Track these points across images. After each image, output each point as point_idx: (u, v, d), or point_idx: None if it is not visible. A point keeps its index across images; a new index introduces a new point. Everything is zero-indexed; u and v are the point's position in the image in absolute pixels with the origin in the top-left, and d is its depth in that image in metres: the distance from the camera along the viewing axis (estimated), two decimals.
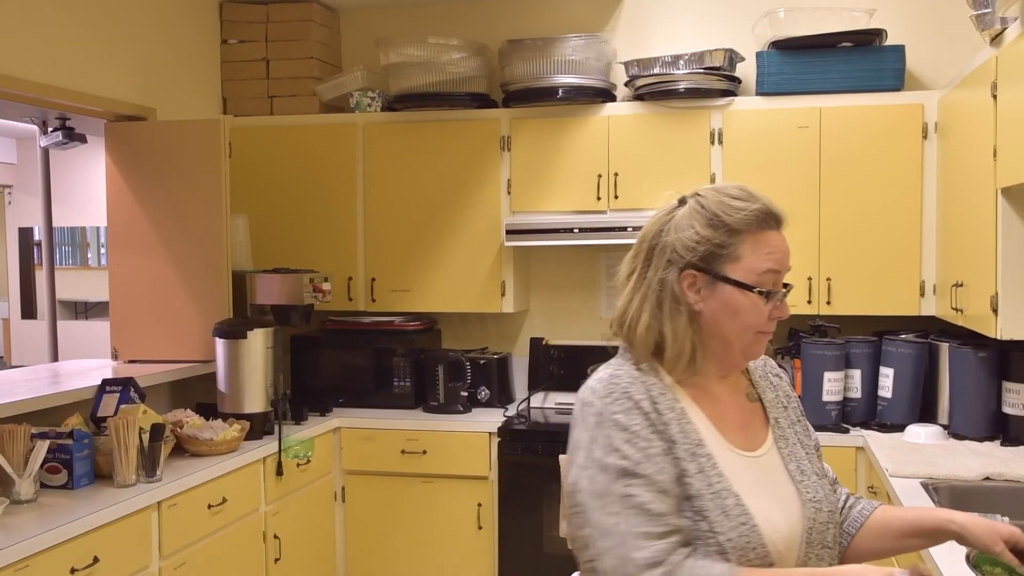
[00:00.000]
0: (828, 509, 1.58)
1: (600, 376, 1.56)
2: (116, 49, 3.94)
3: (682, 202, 1.60)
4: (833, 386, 3.81)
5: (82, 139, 6.18)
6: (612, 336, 1.63)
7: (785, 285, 1.58)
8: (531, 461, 3.96)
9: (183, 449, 3.39)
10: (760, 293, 1.53)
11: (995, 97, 2.94)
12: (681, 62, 4.08)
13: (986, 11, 3.08)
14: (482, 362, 4.39)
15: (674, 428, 1.49)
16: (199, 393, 4.01)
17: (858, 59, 3.99)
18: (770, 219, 1.56)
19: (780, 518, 1.50)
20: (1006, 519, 2.42)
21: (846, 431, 3.77)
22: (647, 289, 1.56)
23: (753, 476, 1.53)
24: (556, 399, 4.42)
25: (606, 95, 4.27)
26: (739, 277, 1.52)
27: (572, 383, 4.36)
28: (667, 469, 1.46)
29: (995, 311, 2.97)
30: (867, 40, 3.99)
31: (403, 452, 4.15)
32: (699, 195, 1.58)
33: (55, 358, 6.41)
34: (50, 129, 6.10)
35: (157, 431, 3.06)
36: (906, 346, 3.78)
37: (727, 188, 1.58)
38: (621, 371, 1.55)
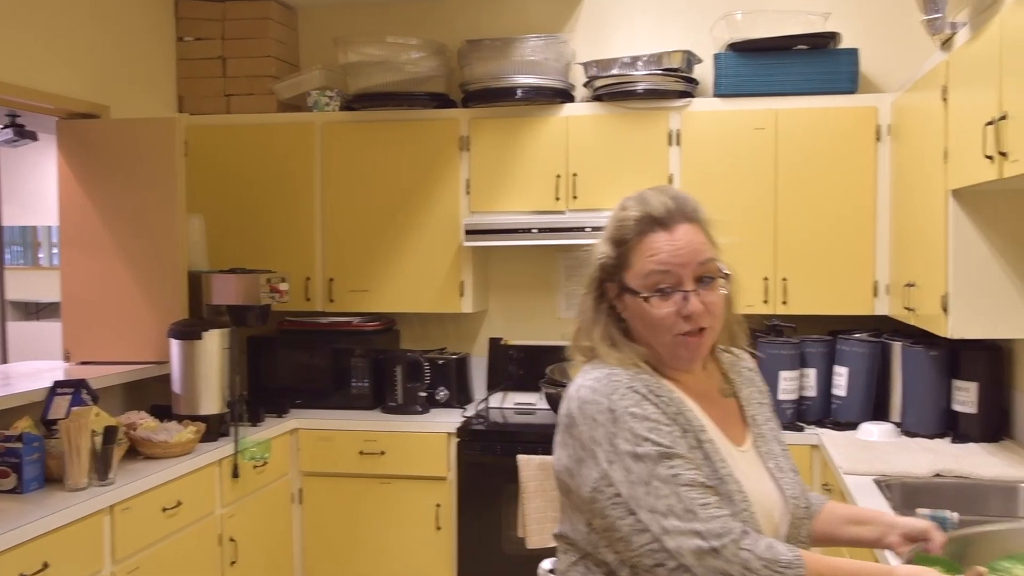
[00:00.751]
0: (804, 505, 1.62)
1: (596, 376, 1.54)
2: (68, 45, 3.87)
3: None
4: (789, 385, 3.86)
5: (32, 137, 6.07)
6: (576, 354, 1.65)
7: (721, 274, 1.56)
8: (490, 461, 3.96)
9: (137, 452, 3.35)
10: (645, 297, 1.53)
11: (945, 100, 2.99)
12: (639, 63, 4.10)
13: (936, 16, 3.13)
14: (440, 362, 4.38)
15: (680, 417, 1.51)
16: (154, 395, 3.95)
17: (813, 62, 4.04)
18: (654, 223, 1.55)
19: (772, 507, 1.55)
20: (956, 515, 2.46)
21: (801, 429, 3.82)
22: (591, 303, 1.63)
23: (745, 466, 1.55)
24: (515, 399, 4.42)
25: (565, 96, 4.28)
26: (632, 285, 1.55)
27: (531, 383, 4.38)
28: (690, 457, 1.48)
29: (946, 311, 3.02)
30: (822, 43, 4.04)
31: (361, 453, 4.13)
32: (614, 211, 1.63)
33: (5, 359, 6.30)
34: (0, 126, 5.97)
35: (110, 433, 3.02)
36: (860, 345, 3.84)
37: (628, 198, 1.61)
38: (616, 370, 1.54)
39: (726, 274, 1.57)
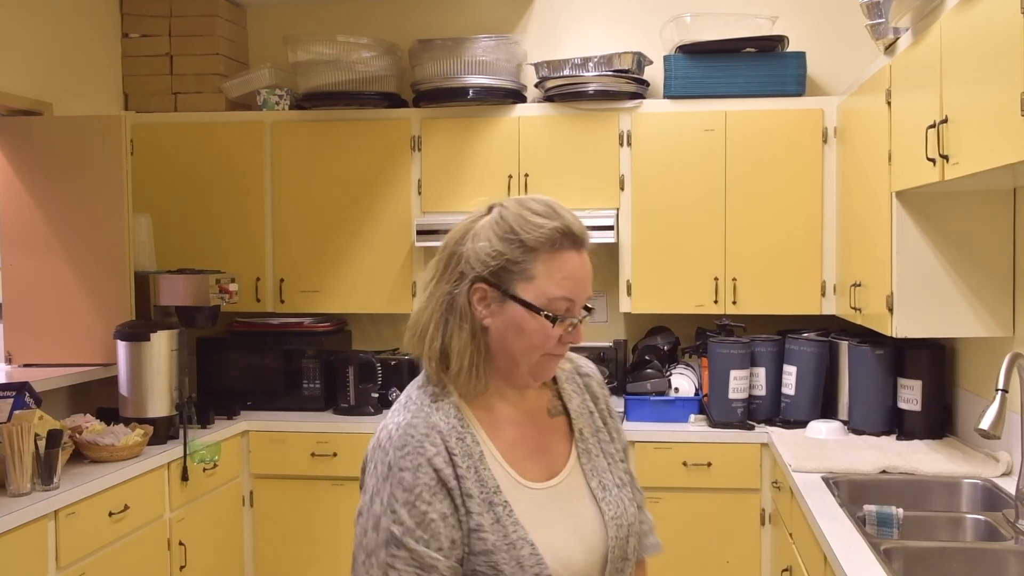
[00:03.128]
0: (628, 523, 1.52)
1: (398, 422, 1.46)
2: (8, 41, 3.79)
3: (489, 210, 1.52)
4: (739, 384, 3.90)
5: None
6: (408, 348, 1.56)
7: (587, 308, 1.50)
8: None
9: (83, 455, 3.29)
10: (548, 317, 1.44)
11: (889, 104, 3.05)
12: (590, 64, 4.12)
13: (880, 21, 3.19)
14: (393, 363, 4.37)
15: (470, 480, 1.42)
16: (100, 397, 3.89)
17: (761, 65, 4.09)
18: (568, 239, 1.45)
19: (577, 551, 1.45)
20: (901, 511, 2.51)
21: (751, 428, 3.87)
22: (439, 298, 1.49)
23: (549, 511, 1.47)
24: None
25: (517, 96, 4.29)
26: (529, 298, 1.44)
27: None
28: (442, 536, 1.39)
29: (891, 310, 3.07)
30: (770, 46, 4.10)
31: (313, 455, 4.10)
32: (503, 206, 1.50)
33: None
34: None
35: (54, 437, 2.96)
36: (808, 344, 3.90)
37: (531, 202, 1.49)
38: (418, 419, 1.45)
39: (592, 309, 1.54)
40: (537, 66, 4.25)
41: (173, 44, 4.53)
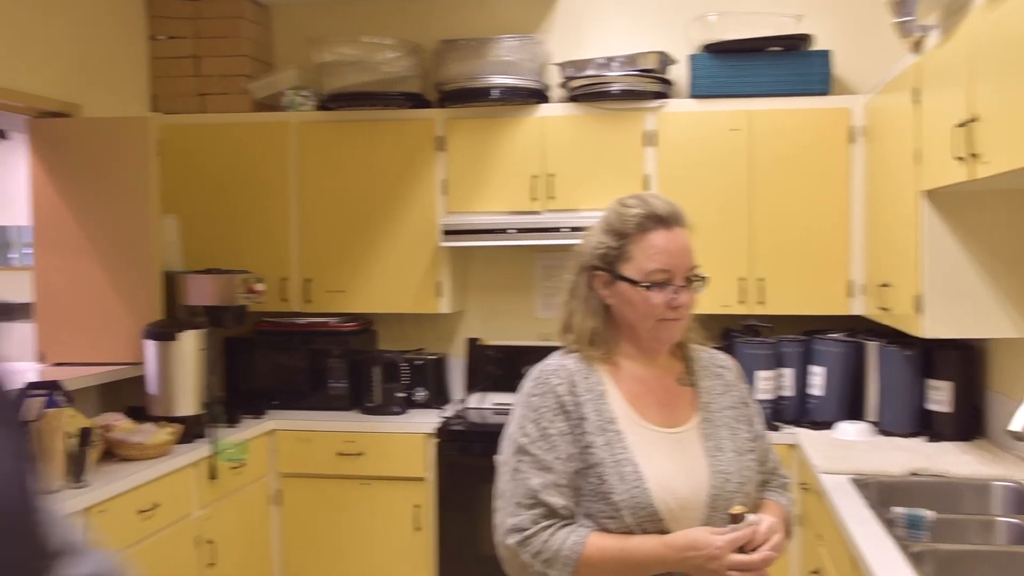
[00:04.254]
0: (738, 481, 1.77)
1: (538, 366, 1.83)
2: (39, 44, 3.83)
3: None
4: (765, 384, 3.88)
5: (2, 135, 6.00)
6: (558, 335, 1.87)
7: (699, 278, 1.79)
8: (469, 462, 3.96)
9: (113, 454, 3.32)
10: (646, 288, 1.75)
11: (917, 103, 3.02)
12: (614, 64, 4.11)
13: (908, 19, 3.16)
14: (418, 363, 4.38)
15: (588, 408, 1.75)
16: (129, 396, 3.92)
17: (787, 63, 4.07)
18: (655, 220, 1.76)
19: (682, 484, 1.72)
20: (932, 513, 2.49)
21: (778, 429, 3.85)
22: (570, 287, 1.85)
23: (660, 447, 1.75)
24: (493, 399, 4.42)
25: (540, 96, 4.29)
26: (630, 275, 1.76)
27: (509, 383, 4.35)
28: (559, 447, 1.73)
29: (919, 311, 3.05)
30: (795, 45, 4.07)
31: (339, 454, 4.12)
32: (609, 205, 1.83)
33: None
34: None
35: (84, 435, 2.99)
36: (835, 345, 3.87)
37: (628, 197, 1.82)
38: (552, 360, 1.84)
39: (704, 277, 1.80)
40: (561, 66, 4.25)
41: (199, 46, 4.57)
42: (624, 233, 1.77)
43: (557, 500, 1.71)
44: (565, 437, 1.73)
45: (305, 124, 4.43)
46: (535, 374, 1.82)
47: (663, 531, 1.69)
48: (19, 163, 6.31)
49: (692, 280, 1.78)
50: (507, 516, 1.73)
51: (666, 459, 1.74)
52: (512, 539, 1.71)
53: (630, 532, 1.69)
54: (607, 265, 1.79)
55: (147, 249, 3.91)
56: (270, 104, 4.56)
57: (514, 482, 1.74)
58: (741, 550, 1.67)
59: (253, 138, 4.44)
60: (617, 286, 1.78)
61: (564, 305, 1.86)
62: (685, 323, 1.82)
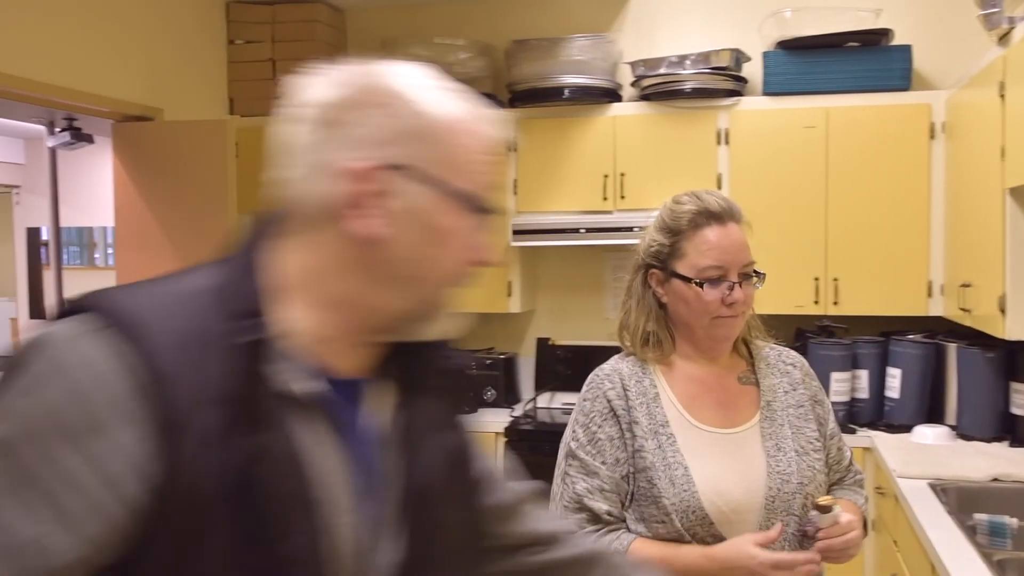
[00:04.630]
0: (798, 481, 1.72)
1: (594, 371, 1.84)
2: (124, 49, 3.94)
3: None
4: (840, 386, 3.81)
5: (89, 139, 6.19)
6: (617, 335, 1.87)
7: (756, 274, 1.76)
8: (538, 461, 3.93)
9: None
10: (698, 284, 1.72)
11: (1003, 97, 2.93)
12: (687, 62, 4.07)
13: (994, 11, 3.07)
14: (488, 362, 4.40)
15: (640, 411, 1.74)
16: None
17: (865, 59, 3.98)
18: (707, 216, 1.75)
19: (736, 487, 1.69)
20: (1015, 520, 2.42)
21: (853, 432, 3.77)
22: (628, 286, 1.85)
23: (715, 449, 1.73)
24: (562, 399, 4.41)
25: (612, 95, 4.27)
26: (683, 272, 1.74)
27: (578, 383, 4.33)
28: (607, 452, 1.73)
29: (1003, 311, 2.96)
30: (874, 40, 3.99)
31: None
32: (664, 203, 1.82)
33: None
34: (57, 129, 6.10)
35: None
36: (913, 346, 3.78)
37: (682, 195, 1.80)
38: (608, 364, 1.84)
39: (762, 274, 1.78)
40: (633, 65, 4.22)
41: (276, 49, 4.65)
42: (677, 230, 1.76)
43: (601, 505, 1.71)
44: (614, 442, 1.74)
45: None
46: (589, 379, 1.83)
47: (715, 535, 1.67)
48: (101, 166, 6.50)
49: (748, 276, 1.76)
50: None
51: (719, 461, 1.72)
52: None
53: (680, 537, 1.67)
54: (661, 263, 1.78)
55: (224, 249, 3.99)
56: None
57: (563, 486, 1.76)
58: (805, 540, 1.68)
59: None
60: (671, 284, 1.77)
61: (622, 305, 1.86)
62: (742, 320, 1.79)
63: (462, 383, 1.14)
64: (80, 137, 6.12)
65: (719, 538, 1.67)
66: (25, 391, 0.88)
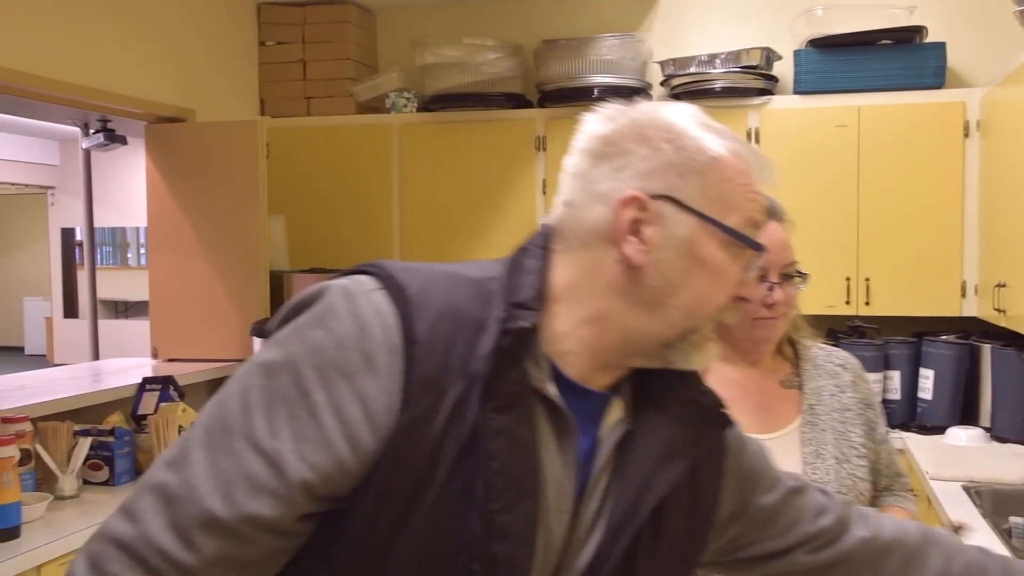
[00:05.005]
0: (835, 490, 1.63)
1: None
2: (157, 51, 3.99)
3: None
4: (872, 387, 3.77)
5: (122, 141, 6.26)
6: None
7: (799, 274, 1.68)
8: None
9: None
10: None
11: None
12: (717, 61, 4.06)
13: None
14: None
15: None
16: None
17: (898, 57, 3.95)
18: None
19: None
20: None
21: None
22: None
23: None
24: None
25: (641, 94, 4.25)
26: None
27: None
28: None
29: None
30: (907, 38, 3.95)
31: None
32: None
33: (96, 356, 6.50)
34: (91, 131, 6.18)
35: None
36: (947, 347, 3.74)
37: None
38: None
39: (804, 274, 1.69)
40: (662, 64, 4.21)
41: (306, 50, 4.68)
42: None
43: None
44: None
45: (407, 125, 4.50)
46: None
47: None
48: (134, 167, 6.57)
49: (790, 277, 1.68)
50: None
51: None
52: None
53: None
54: None
55: (255, 249, 4.03)
56: (374, 106, 4.65)
57: None
58: None
59: (357, 140, 4.53)
60: None
61: None
62: (784, 322, 1.71)
63: (703, 415, 1.13)
64: (114, 138, 6.18)
65: None
66: (318, 322, 0.98)
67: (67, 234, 9.92)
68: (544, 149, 4.31)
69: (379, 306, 0.99)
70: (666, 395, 1.11)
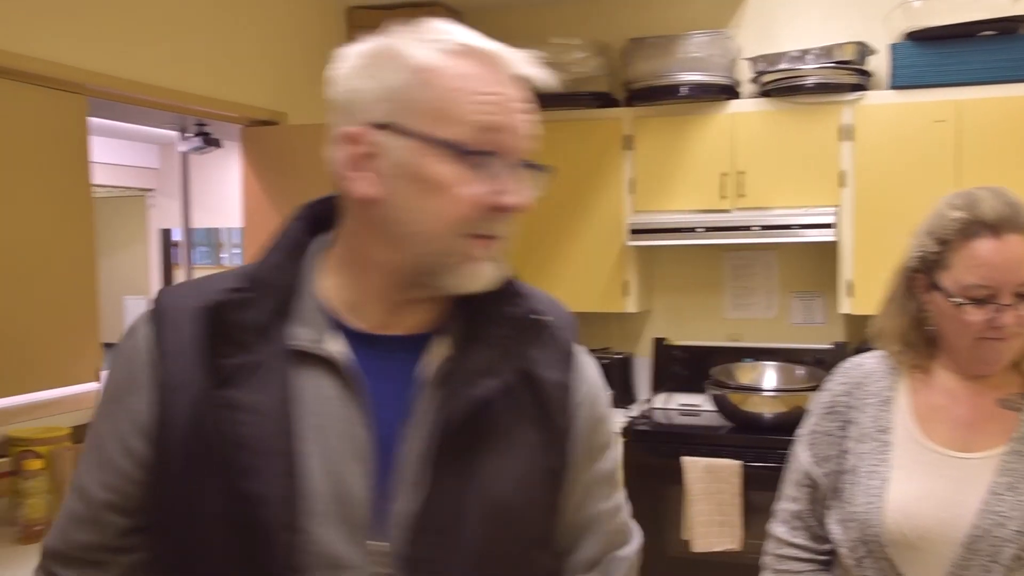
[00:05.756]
0: (1016, 528, 1.50)
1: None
2: (251, 56, 4.09)
3: None
4: None
5: (217, 144, 6.45)
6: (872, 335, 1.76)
7: (1019, 294, 1.52)
8: (654, 462, 3.92)
9: None
10: (957, 304, 1.54)
11: None
12: (809, 57, 3.97)
13: None
14: (605, 362, 4.37)
15: (863, 412, 1.66)
16: None
17: (1001, 48, 3.81)
18: (981, 227, 1.53)
19: (930, 516, 1.53)
20: None
21: None
22: (891, 286, 1.71)
23: (930, 470, 1.56)
24: (679, 400, 4.36)
25: (730, 92, 4.20)
26: (947, 285, 1.56)
27: (695, 384, 4.31)
28: (820, 445, 1.71)
29: None
30: (1011, 28, 3.81)
31: None
32: (937, 202, 1.64)
33: None
34: (189, 135, 6.37)
35: None
36: None
37: (955, 196, 1.61)
38: (860, 356, 1.75)
39: None
40: (752, 60, 4.15)
41: None
42: (944, 239, 1.57)
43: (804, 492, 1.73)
44: (827, 438, 1.70)
45: None
46: (835, 367, 1.79)
47: (886, 558, 1.56)
48: (229, 169, 6.75)
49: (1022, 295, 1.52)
50: (782, 501, 1.77)
51: (927, 482, 1.56)
52: (772, 529, 1.79)
53: (854, 549, 1.60)
54: (926, 269, 1.61)
55: None
56: None
57: (790, 466, 1.78)
58: None
59: None
60: (934, 295, 1.59)
61: (886, 305, 1.72)
62: (1015, 344, 1.56)
63: (520, 331, 1.14)
64: (209, 142, 6.38)
65: (890, 562, 1.56)
66: (110, 363, 1.15)
67: (165, 235, 10.22)
68: (631, 148, 4.28)
69: (141, 330, 1.10)
70: (484, 321, 1.11)
